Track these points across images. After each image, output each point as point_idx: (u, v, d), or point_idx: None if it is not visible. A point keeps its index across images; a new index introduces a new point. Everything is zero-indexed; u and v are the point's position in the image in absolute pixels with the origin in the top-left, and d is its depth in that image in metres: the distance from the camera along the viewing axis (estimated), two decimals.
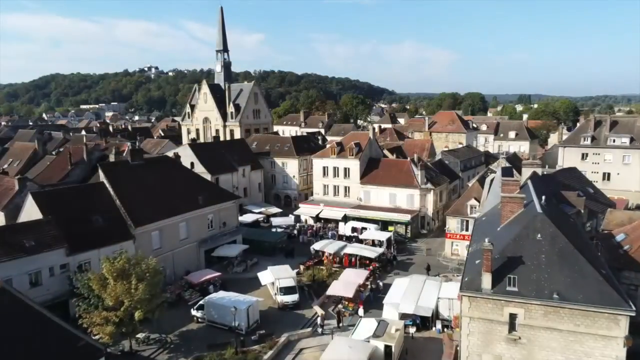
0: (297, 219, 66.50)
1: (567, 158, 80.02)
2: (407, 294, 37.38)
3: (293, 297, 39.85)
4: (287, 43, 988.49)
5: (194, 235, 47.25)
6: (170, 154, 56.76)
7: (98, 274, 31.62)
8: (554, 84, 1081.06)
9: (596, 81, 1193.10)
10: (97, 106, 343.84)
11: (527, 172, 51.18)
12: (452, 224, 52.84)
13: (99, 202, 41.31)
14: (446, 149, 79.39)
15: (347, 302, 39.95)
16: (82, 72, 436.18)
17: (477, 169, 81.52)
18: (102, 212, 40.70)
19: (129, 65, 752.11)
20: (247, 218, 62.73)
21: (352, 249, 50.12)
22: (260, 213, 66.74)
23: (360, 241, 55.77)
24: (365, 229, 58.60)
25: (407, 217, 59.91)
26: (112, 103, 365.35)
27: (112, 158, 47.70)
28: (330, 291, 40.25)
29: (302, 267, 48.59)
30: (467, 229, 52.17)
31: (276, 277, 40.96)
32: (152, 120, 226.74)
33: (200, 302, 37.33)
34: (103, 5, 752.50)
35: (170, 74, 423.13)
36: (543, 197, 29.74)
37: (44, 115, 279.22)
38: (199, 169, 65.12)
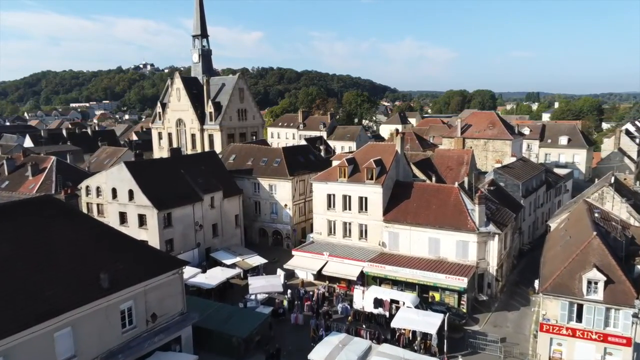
0: (290, 274, 44.68)
1: None
2: None
3: None
4: (286, 41, 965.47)
5: (89, 348, 25.20)
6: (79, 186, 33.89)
7: None
8: (557, 82, 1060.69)
9: (600, 79, 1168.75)
10: (86, 105, 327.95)
11: None
12: (553, 308, 30.67)
13: None
14: (499, 165, 57.00)
15: None
16: (75, 69, 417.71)
17: (537, 193, 59.21)
18: None
19: (128, 63, 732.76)
20: (211, 279, 40.18)
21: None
22: (234, 265, 44.57)
23: (393, 332, 33.78)
24: (397, 303, 36.67)
25: (462, 283, 37.70)
26: (104, 101, 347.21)
27: None
28: None
29: None
30: (579, 319, 30.18)
31: None
32: (142, 120, 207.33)
33: None
34: (102, 4, 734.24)
35: (166, 70, 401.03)
36: None
37: (25, 114, 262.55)
38: (141, 200, 43.18)
